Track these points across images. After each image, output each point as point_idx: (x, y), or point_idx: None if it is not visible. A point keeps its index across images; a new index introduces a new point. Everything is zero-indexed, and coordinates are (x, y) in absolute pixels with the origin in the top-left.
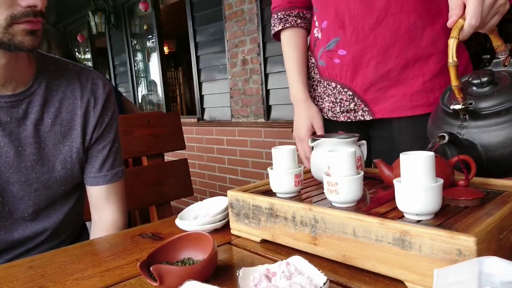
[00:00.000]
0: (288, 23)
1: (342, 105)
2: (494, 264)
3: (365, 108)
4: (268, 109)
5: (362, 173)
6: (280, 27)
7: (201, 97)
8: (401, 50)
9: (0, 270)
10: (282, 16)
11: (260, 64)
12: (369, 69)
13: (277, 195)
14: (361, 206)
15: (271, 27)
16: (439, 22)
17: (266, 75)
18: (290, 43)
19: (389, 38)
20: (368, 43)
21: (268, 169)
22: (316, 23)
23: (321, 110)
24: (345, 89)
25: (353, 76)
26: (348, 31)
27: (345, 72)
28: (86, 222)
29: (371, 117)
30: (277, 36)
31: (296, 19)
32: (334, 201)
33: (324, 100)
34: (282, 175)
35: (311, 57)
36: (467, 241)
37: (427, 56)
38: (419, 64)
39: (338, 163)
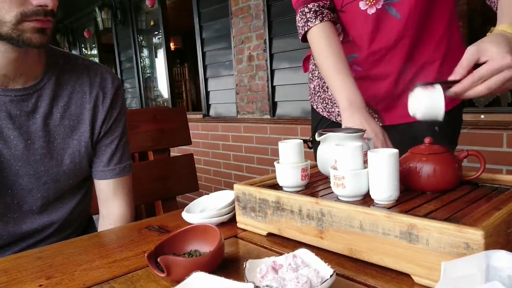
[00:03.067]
0: (325, 17)
1: None
2: (502, 258)
3: (375, 115)
4: (273, 105)
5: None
6: (317, 22)
7: (207, 93)
8: (413, 66)
9: (9, 260)
10: (317, 9)
11: (266, 60)
12: (384, 84)
13: (284, 189)
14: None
15: (302, 26)
16: (441, 27)
17: (272, 72)
18: (330, 39)
19: (405, 57)
20: (384, 63)
21: (275, 163)
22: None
23: (331, 113)
24: None
25: (367, 90)
26: (365, 51)
27: (359, 85)
28: (93, 216)
29: (380, 124)
30: (305, 37)
31: (330, 12)
32: (340, 195)
33: (335, 104)
34: (288, 169)
35: None
36: (475, 235)
37: (431, 63)
38: (424, 73)
39: (345, 157)
